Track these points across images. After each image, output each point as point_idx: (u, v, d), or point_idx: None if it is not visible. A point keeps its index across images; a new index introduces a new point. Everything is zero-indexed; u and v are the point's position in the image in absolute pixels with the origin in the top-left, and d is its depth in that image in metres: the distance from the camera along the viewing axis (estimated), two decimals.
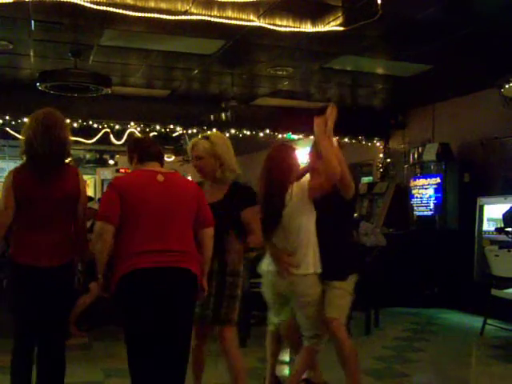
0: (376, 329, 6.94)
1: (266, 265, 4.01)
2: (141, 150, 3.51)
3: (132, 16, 5.53)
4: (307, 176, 3.98)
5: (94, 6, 5.35)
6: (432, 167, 9.01)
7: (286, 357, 4.81)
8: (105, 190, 3.60)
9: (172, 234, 3.30)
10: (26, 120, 4.15)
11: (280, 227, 3.87)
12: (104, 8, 5.39)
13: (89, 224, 4.70)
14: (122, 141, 10.55)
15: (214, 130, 9.72)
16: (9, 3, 5.24)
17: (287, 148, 4.09)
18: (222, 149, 3.81)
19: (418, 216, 9.17)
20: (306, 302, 3.87)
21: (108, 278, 3.30)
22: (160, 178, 3.35)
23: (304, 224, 3.86)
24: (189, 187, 3.50)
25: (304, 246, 3.84)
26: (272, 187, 3.88)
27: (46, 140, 3.46)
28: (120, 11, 5.44)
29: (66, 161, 3.69)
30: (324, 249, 3.90)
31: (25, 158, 3.56)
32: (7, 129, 9.23)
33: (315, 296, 3.89)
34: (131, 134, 9.84)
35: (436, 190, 8.79)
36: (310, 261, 3.83)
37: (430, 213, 8.93)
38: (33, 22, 5.99)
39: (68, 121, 9.12)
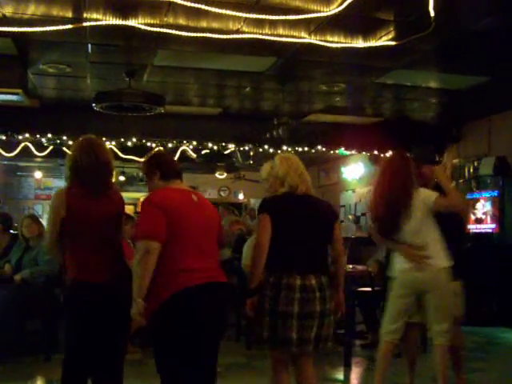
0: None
1: (400, 265, 4.26)
2: (165, 166, 3.43)
3: (185, 36, 5.62)
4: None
5: (148, 28, 5.48)
6: (489, 182, 8.80)
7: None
8: (142, 207, 3.35)
9: (208, 252, 3.31)
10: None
11: (408, 227, 4.15)
12: (157, 29, 5.52)
13: None
14: (175, 159, 10.68)
15: (266, 146, 9.76)
16: (68, 29, 5.43)
17: (408, 158, 4.41)
18: (280, 169, 3.83)
19: (474, 232, 8.95)
20: (447, 291, 4.21)
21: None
22: (194, 197, 3.36)
23: (431, 224, 4.18)
24: (213, 208, 3.54)
25: (436, 243, 4.19)
26: (397, 191, 4.17)
27: (93, 162, 3.47)
28: (173, 32, 5.55)
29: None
30: None
31: (71, 181, 3.53)
32: (64, 148, 9.46)
33: (452, 287, 4.27)
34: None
35: (493, 205, 8.57)
36: (444, 255, 4.19)
37: (486, 228, 8.71)
38: (89, 45, 6.17)
39: (122, 140, 9.34)
